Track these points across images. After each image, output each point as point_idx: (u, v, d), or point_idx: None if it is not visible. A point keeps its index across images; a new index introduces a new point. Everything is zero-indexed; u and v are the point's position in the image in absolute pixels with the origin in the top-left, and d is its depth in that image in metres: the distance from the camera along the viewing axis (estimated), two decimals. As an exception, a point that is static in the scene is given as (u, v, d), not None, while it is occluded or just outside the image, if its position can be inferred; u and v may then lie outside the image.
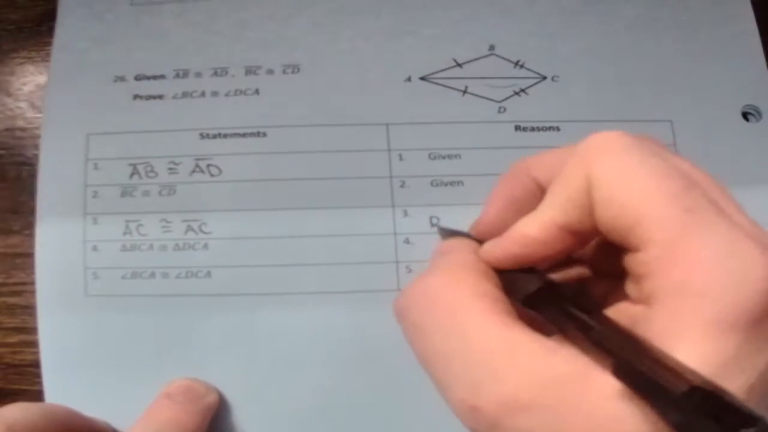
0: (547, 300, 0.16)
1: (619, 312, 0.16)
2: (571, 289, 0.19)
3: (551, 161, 0.18)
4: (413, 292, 0.17)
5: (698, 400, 0.11)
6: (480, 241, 0.19)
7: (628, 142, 0.16)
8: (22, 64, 0.31)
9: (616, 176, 0.15)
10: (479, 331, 0.15)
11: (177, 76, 0.29)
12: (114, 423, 0.25)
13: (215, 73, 0.29)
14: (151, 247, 0.27)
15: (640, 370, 0.12)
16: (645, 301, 0.15)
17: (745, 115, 0.29)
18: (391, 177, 0.28)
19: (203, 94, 0.29)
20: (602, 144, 0.16)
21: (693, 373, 0.12)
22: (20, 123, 0.30)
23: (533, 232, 0.17)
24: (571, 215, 0.16)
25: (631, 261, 0.15)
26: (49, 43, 0.30)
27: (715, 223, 0.14)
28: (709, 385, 0.12)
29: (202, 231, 0.27)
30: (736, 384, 0.12)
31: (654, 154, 0.15)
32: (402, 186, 0.28)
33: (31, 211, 0.28)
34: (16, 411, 0.22)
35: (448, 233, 0.21)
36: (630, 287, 0.16)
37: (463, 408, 0.15)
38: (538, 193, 0.19)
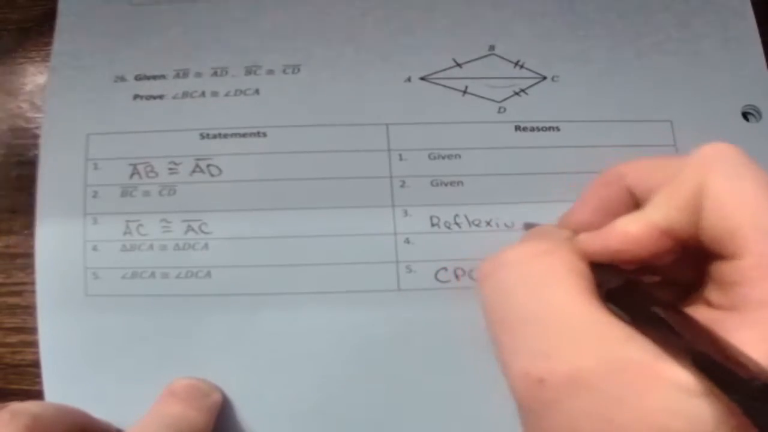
0: (628, 295, 0.17)
1: (694, 314, 0.16)
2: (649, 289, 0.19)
3: (648, 170, 0.19)
4: (505, 256, 0.18)
5: None
6: None
7: (741, 154, 0.17)
8: (22, 64, 0.31)
9: (730, 182, 0.16)
10: (566, 302, 0.16)
11: (177, 76, 0.29)
12: (114, 423, 0.25)
13: (215, 73, 0.29)
14: (151, 247, 0.27)
15: (719, 362, 0.13)
16: (728, 307, 0.16)
17: (745, 115, 0.29)
18: (391, 177, 0.28)
19: (203, 94, 0.29)
20: (719, 152, 0.17)
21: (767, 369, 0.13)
22: (20, 123, 0.30)
23: (636, 231, 0.17)
24: (678, 220, 0.17)
25: (723, 267, 0.16)
26: (49, 43, 0.30)
27: None
28: None
29: (202, 231, 0.27)
30: None
31: (762, 171, 0.16)
32: (402, 186, 0.28)
33: (31, 211, 0.28)
34: (36, 406, 0.22)
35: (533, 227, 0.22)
36: (713, 292, 0.17)
37: (527, 377, 0.15)
38: (628, 199, 0.20)
